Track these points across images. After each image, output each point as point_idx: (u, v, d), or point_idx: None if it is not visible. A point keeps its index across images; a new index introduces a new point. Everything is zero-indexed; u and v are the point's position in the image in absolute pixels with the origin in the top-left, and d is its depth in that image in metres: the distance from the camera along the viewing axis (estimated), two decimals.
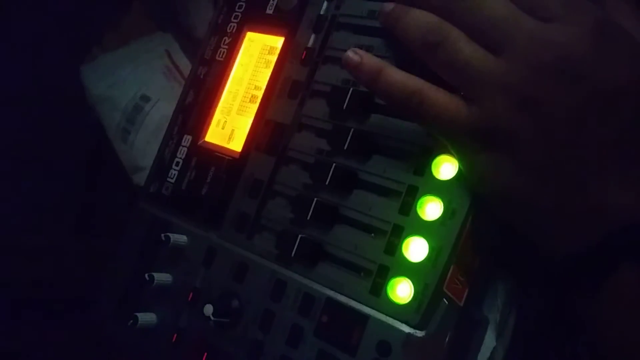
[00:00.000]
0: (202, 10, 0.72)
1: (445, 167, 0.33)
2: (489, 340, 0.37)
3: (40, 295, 0.64)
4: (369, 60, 0.33)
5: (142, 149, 0.67)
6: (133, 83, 0.69)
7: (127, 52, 0.71)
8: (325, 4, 0.42)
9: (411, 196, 0.34)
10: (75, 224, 0.76)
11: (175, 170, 0.46)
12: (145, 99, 0.68)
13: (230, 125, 0.45)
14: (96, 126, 0.71)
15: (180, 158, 0.46)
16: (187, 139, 0.46)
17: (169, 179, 0.46)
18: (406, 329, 0.32)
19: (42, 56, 0.71)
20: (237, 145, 0.43)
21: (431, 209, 0.33)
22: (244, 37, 0.46)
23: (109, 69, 0.70)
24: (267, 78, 0.43)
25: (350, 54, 0.34)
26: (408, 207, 0.34)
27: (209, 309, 0.38)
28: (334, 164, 0.36)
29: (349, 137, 0.36)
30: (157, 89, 0.68)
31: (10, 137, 0.69)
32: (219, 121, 0.46)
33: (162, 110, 0.67)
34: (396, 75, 0.32)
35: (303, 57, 0.41)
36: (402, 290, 0.33)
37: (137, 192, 0.65)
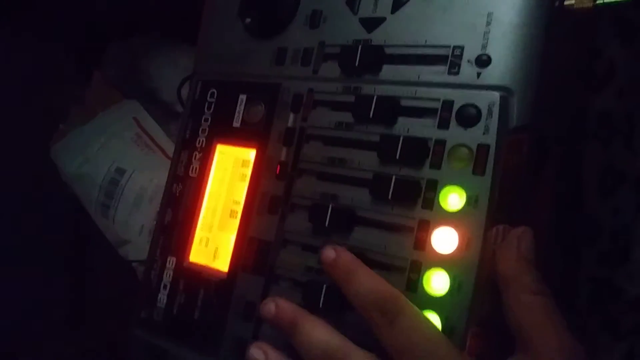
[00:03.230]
0: (164, 74, 0.73)
1: (437, 282, 0.34)
2: None
3: None
4: (345, 259, 0.35)
5: (124, 222, 0.67)
6: (106, 157, 0.69)
7: (96, 126, 0.71)
8: (292, 117, 0.42)
9: None
10: (66, 311, 0.74)
11: (163, 294, 0.45)
12: (120, 171, 0.68)
13: (214, 242, 0.45)
14: (74, 202, 0.70)
15: (167, 281, 0.45)
16: (171, 261, 0.46)
17: (158, 304, 0.45)
18: None
19: (7, 139, 0.70)
20: (222, 264, 0.43)
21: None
22: (215, 150, 0.46)
23: (80, 145, 0.70)
24: (244, 192, 0.43)
25: (327, 251, 0.35)
26: None
27: None
28: (325, 285, 0.36)
29: None
30: (130, 159, 0.69)
31: None
32: (201, 239, 0.45)
33: (139, 181, 0.67)
34: (368, 283, 0.33)
35: (277, 171, 0.42)
36: None
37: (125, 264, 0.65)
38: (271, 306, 0.35)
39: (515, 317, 0.31)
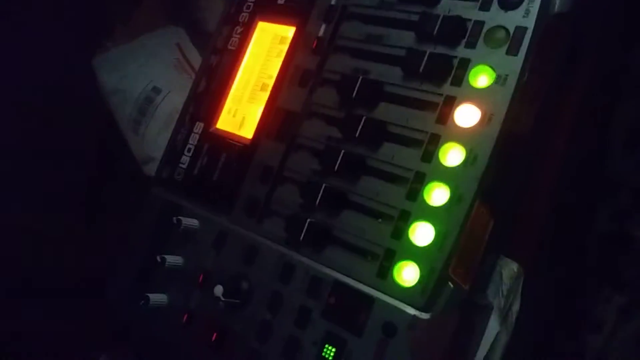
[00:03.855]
0: (213, 4, 0.73)
1: (452, 154, 0.34)
2: (493, 325, 0.38)
3: (44, 283, 0.65)
4: None
5: (152, 140, 0.68)
6: (144, 75, 0.70)
7: (139, 45, 0.72)
8: None
9: (419, 182, 0.35)
10: (84, 213, 0.77)
11: (187, 156, 0.47)
12: (157, 90, 0.69)
13: (242, 112, 0.46)
14: (108, 118, 0.72)
15: (192, 145, 0.47)
16: (199, 126, 0.47)
17: (181, 165, 0.47)
18: (412, 310, 0.33)
19: (53, 49, 0.72)
20: (248, 132, 0.44)
21: (438, 194, 0.34)
22: (256, 26, 0.47)
23: (121, 61, 0.71)
24: (278, 67, 0.44)
25: None
26: (415, 193, 0.35)
27: (219, 290, 0.39)
28: (342, 151, 0.37)
29: (361, 125, 0.37)
30: (167, 81, 0.70)
31: (20, 127, 0.70)
32: (230, 109, 0.47)
33: (172, 102, 0.68)
34: None
35: (314, 46, 0.42)
36: (408, 274, 0.34)
37: (147, 181, 0.67)
38: None
39: None
